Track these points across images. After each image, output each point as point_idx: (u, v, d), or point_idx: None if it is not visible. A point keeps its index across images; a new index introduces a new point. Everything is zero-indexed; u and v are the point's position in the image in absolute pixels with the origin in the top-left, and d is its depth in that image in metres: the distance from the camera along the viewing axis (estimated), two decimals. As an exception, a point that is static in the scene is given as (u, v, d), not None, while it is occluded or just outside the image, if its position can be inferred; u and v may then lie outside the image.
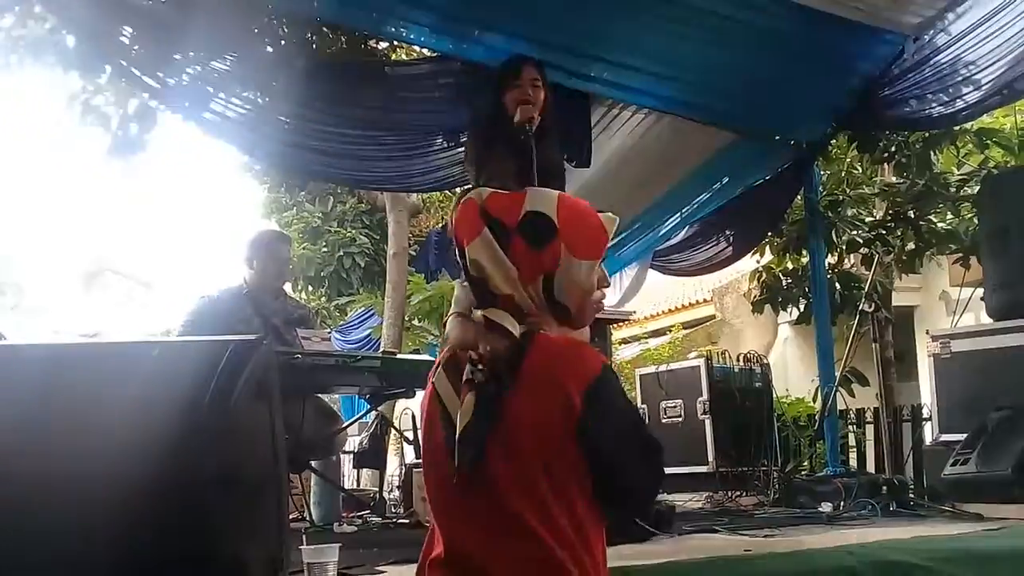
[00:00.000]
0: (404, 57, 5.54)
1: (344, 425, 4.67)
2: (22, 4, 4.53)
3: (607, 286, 1.69)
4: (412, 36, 4.87)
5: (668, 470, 5.58)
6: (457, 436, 1.50)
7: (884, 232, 6.32)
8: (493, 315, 1.57)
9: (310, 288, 12.43)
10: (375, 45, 5.12)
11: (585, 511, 1.50)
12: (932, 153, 6.06)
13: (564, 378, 1.48)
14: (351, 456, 5.39)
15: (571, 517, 1.47)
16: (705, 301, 13.06)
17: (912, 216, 6.27)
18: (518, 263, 1.56)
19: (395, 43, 5.27)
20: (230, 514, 1.59)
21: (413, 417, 5.69)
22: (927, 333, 4.99)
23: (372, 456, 4.87)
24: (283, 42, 4.65)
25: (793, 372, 9.08)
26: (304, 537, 2.57)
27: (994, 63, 4.69)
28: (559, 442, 1.47)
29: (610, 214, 1.66)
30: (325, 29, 4.81)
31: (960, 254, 6.16)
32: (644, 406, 6.01)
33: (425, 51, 5.11)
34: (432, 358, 5.08)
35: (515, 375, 1.50)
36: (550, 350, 1.53)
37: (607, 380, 1.52)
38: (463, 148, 5.21)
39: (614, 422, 1.52)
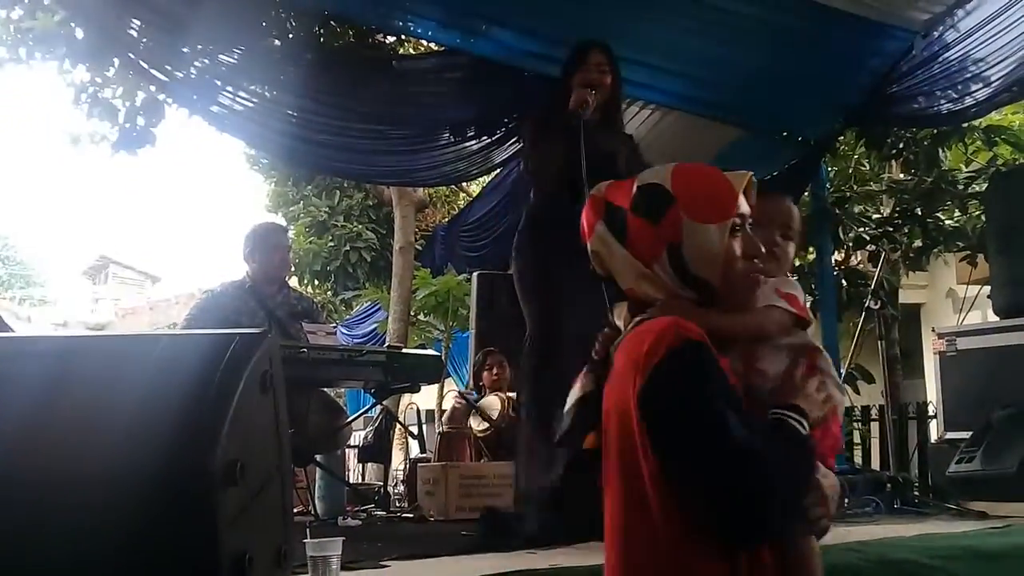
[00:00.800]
0: (411, 51, 5.54)
1: (349, 419, 4.69)
2: (31, -4, 4.55)
3: (759, 254, 1.47)
4: (419, 30, 4.87)
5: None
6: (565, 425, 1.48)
7: (891, 229, 6.30)
8: (615, 311, 1.49)
9: (316, 282, 12.45)
10: (382, 39, 5.13)
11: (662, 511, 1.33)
12: (940, 150, 6.04)
13: (629, 366, 1.35)
14: (356, 450, 5.40)
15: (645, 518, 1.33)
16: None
17: (919, 213, 6.25)
18: (636, 243, 1.44)
19: (402, 37, 5.27)
20: (234, 507, 1.59)
21: (418, 411, 5.71)
22: (933, 330, 4.98)
23: (377, 450, 4.88)
24: (291, 36, 4.66)
25: (799, 368, 9.03)
26: (308, 531, 2.58)
27: (1003, 60, 4.67)
28: (630, 437, 1.35)
29: (742, 171, 1.49)
30: (333, 23, 4.82)
31: (967, 252, 6.14)
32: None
33: (432, 45, 5.12)
34: (437, 353, 5.11)
35: (608, 368, 1.43)
36: (630, 336, 1.41)
37: (671, 366, 1.31)
38: (470, 142, 5.24)
39: (671, 414, 1.32)
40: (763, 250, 1.48)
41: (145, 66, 4.28)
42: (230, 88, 4.53)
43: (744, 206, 1.45)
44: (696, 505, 1.29)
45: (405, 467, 5.02)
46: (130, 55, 4.25)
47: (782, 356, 1.54)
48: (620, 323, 1.48)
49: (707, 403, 1.29)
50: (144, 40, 4.24)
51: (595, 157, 3.25)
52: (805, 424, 1.38)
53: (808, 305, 6.68)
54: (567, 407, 1.50)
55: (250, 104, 4.62)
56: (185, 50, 4.31)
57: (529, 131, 3.35)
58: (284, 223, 11.37)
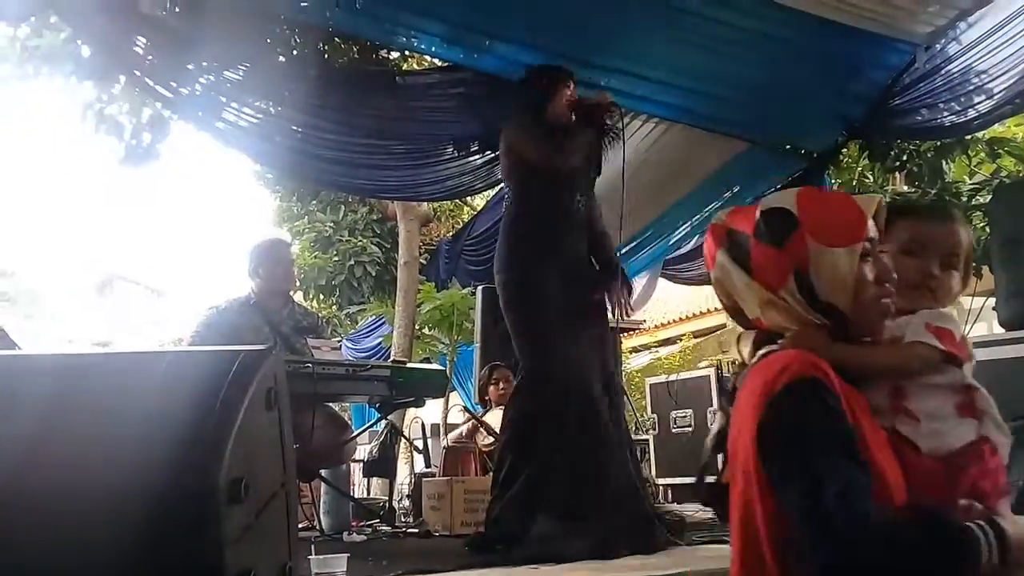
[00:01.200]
0: (415, 67, 5.57)
1: (354, 434, 4.68)
2: (38, 14, 4.58)
3: (891, 280, 1.39)
4: (423, 46, 4.90)
5: (678, 480, 5.63)
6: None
7: (895, 241, 6.29)
8: (740, 340, 1.44)
9: (321, 297, 12.46)
10: (387, 55, 5.16)
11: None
12: (944, 162, 6.04)
13: (749, 400, 1.30)
14: (361, 465, 5.40)
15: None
16: (716, 310, 13.02)
17: (923, 225, 6.24)
18: (761, 270, 1.38)
19: (406, 53, 5.30)
20: (239, 524, 1.59)
21: (423, 426, 5.70)
22: (939, 342, 4.96)
23: (382, 465, 4.87)
24: (295, 52, 4.69)
25: (804, 381, 9.02)
26: (313, 547, 2.58)
27: (1006, 72, 4.68)
28: (748, 475, 1.29)
29: (871, 195, 1.47)
30: (337, 39, 4.84)
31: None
32: (654, 415, 6.00)
33: (436, 61, 5.14)
34: (442, 367, 5.11)
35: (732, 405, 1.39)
36: (754, 369, 1.36)
37: (784, 405, 1.24)
38: (474, 156, 5.26)
39: (777, 458, 1.24)
40: (894, 275, 1.40)
41: (151, 83, 4.30)
42: (235, 104, 4.56)
43: (873, 230, 1.39)
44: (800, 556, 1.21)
45: (410, 482, 5.01)
46: (136, 72, 4.27)
47: (936, 395, 1.46)
48: (745, 354, 1.43)
49: (810, 453, 1.21)
50: (150, 57, 4.27)
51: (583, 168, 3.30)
52: (989, 536, 1.21)
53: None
54: (707, 443, 1.47)
55: (255, 120, 4.65)
56: (190, 67, 4.34)
57: (532, 131, 3.32)
58: (288, 238, 11.41)
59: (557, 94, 3.34)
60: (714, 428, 1.47)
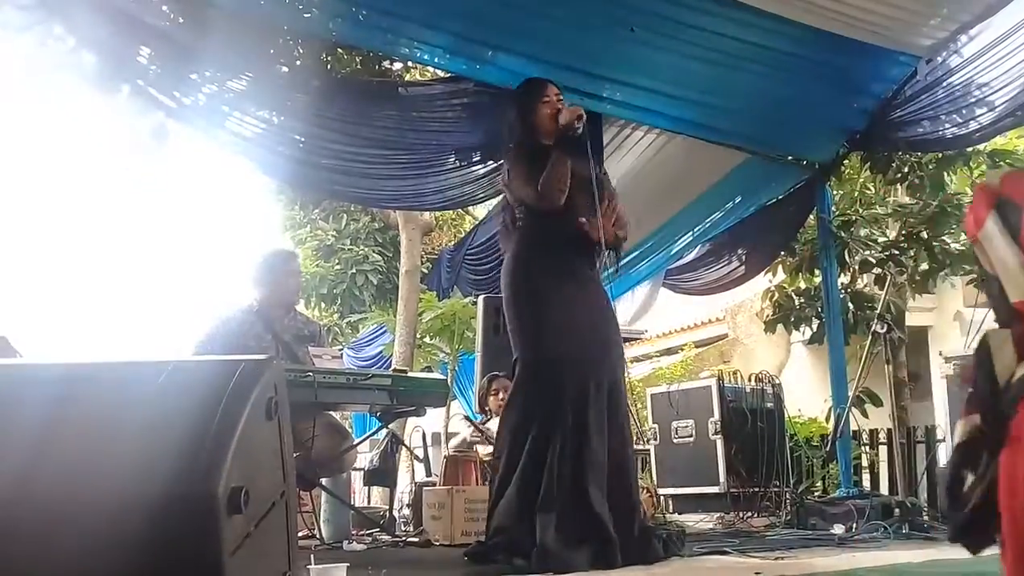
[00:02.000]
0: (418, 77, 5.59)
1: (355, 443, 4.69)
2: (42, 24, 4.60)
3: None
4: (426, 57, 4.92)
5: (678, 490, 5.62)
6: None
7: (897, 252, 6.31)
8: (992, 338, 1.22)
9: (323, 305, 12.48)
10: (389, 66, 5.18)
11: None
12: (945, 174, 6.06)
13: None
14: (361, 473, 5.40)
15: None
16: (717, 320, 13.02)
17: (925, 236, 6.26)
18: None
19: (409, 64, 5.32)
20: (238, 534, 1.60)
21: (423, 435, 5.70)
22: (940, 354, 4.97)
23: (382, 474, 4.87)
24: (298, 62, 4.70)
25: (806, 392, 9.03)
26: (313, 556, 2.58)
27: (1007, 84, 4.69)
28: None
29: None
30: (340, 50, 4.86)
31: (973, 275, 6.13)
32: (656, 425, 5.99)
33: (439, 72, 5.16)
34: (443, 376, 5.12)
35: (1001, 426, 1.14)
36: None
37: None
38: (476, 166, 5.27)
39: None
40: None
41: (154, 92, 4.32)
42: (238, 114, 4.58)
43: None
44: None
45: (411, 491, 5.01)
46: (139, 82, 4.29)
47: None
48: (1006, 358, 1.20)
49: None
50: (153, 67, 4.29)
51: (583, 179, 3.28)
52: None
53: (815, 329, 6.70)
54: (952, 457, 1.25)
55: (258, 129, 4.67)
56: (194, 77, 4.36)
57: (522, 163, 3.31)
58: (291, 246, 11.43)
59: (537, 113, 3.33)
60: (960, 436, 1.24)
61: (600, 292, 3.32)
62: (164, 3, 4.36)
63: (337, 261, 12.36)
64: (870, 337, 5.57)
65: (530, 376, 3.13)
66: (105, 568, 1.56)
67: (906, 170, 6.05)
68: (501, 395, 5.10)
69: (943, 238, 6.31)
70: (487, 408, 5.14)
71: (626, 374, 3.42)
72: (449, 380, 7.24)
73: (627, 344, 6.51)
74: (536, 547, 2.89)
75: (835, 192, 6.52)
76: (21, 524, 1.60)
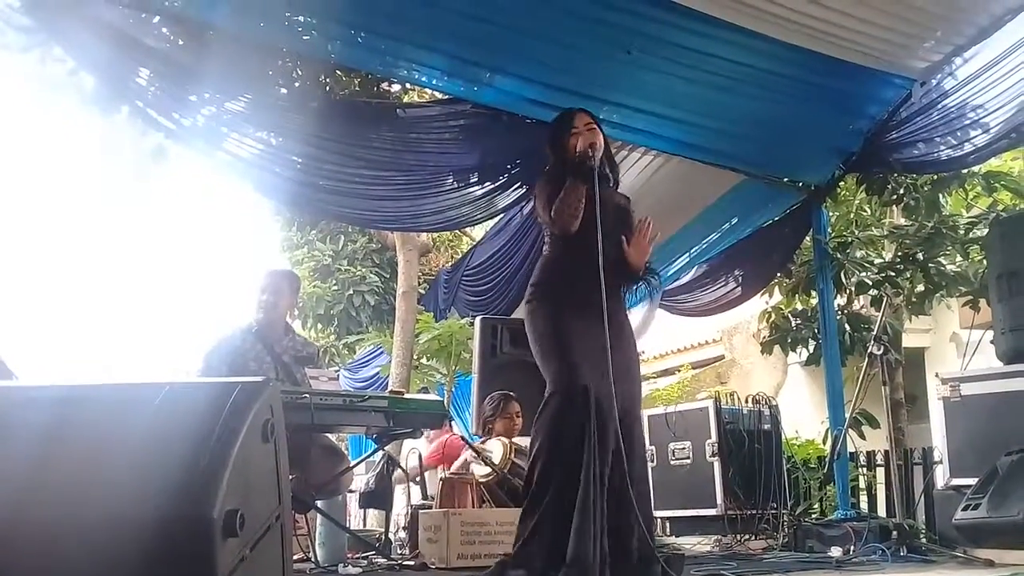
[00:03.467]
0: (416, 99, 5.62)
1: (351, 465, 4.66)
2: (42, 46, 4.63)
3: None
4: (424, 79, 4.95)
5: (675, 512, 5.59)
6: None
7: (893, 274, 6.32)
8: None
9: (320, 326, 12.47)
10: (388, 87, 5.21)
11: None
12: (941, 196, 6.09)
13: None
14: (357, 496, 5.36)
15: None
16: (714, 341, 13.03)
17: (921, 258, 6.28)
18: None
19: (407, 85, 5.35)
20: (233, 557, 1.59)
21: (420, 457, 5.67)
22: (937, 376, 4.97)
23: (378, 496, 4.84)
24: (297, 84, 4.73)
25: (803, 413, 9.02)
26: (308, 579, 2.57)
27: (1002, 106, 4.73)
28: None
29: None
30: (339, 72, 4.89)
31: (970, 296, 6.15)
32: (652, 447, 5.98)
33: (437, 94, 5.19)
34: (439, 397, 5.10)
35: None
36: None
37: None
38: (473, 188, 5.29)
39: None
40: None
41: (153, 114, 4.34)
42: (236, 135, 4.59)
43: None
44: None
45: (407, 513, 4.97)
46: (138, 103, 4.31)
47: None
48: None
49: None
50: (152, 88, 4.31)
51: (612, 208, 3.30)
52: None
53: (812, 350, 6.70)
54: None
55: (256, 151, 4.68)
56: (193, 98, 4.38)
57: (545, 185, 3.37)
58: (290, 267, 11.43)
59: (565, 143, 3.35)
60: None
61: (622, 319, 3.33)
62: (163, 25, 4.39)
63: (334, 282, 12.37)
64: (867, 358, 5.56)
65: (556, 406, 3.14)
66: (99, 591, 1.55)
67: (901, 192, 6.08)
68: (514, 420, 5.06)
69: (939, 259, 6.33)
70: (489, 428, 5.10)
71: (640, 392, 3.41)
72: (446, 402, 7.21)
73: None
74: (564, 567, 2.89)
75: (831, 214, 6.54)
76: (17, 546, 1.59)
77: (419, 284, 9.26)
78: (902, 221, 6.81)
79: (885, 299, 6.16)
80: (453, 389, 8.39)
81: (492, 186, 5.28)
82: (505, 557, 3.22)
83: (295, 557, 3.22)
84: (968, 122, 4.94)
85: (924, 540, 4.54)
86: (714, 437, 5.57)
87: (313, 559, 4.13)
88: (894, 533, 4.42)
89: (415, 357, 8.58)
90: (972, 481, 4.21)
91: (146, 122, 4.40)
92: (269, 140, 4.75)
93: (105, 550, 1.56)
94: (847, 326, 6.46)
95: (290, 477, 1.98)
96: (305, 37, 4.49)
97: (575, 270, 3.17)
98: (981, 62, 4.77)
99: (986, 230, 5.70)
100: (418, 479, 5.65)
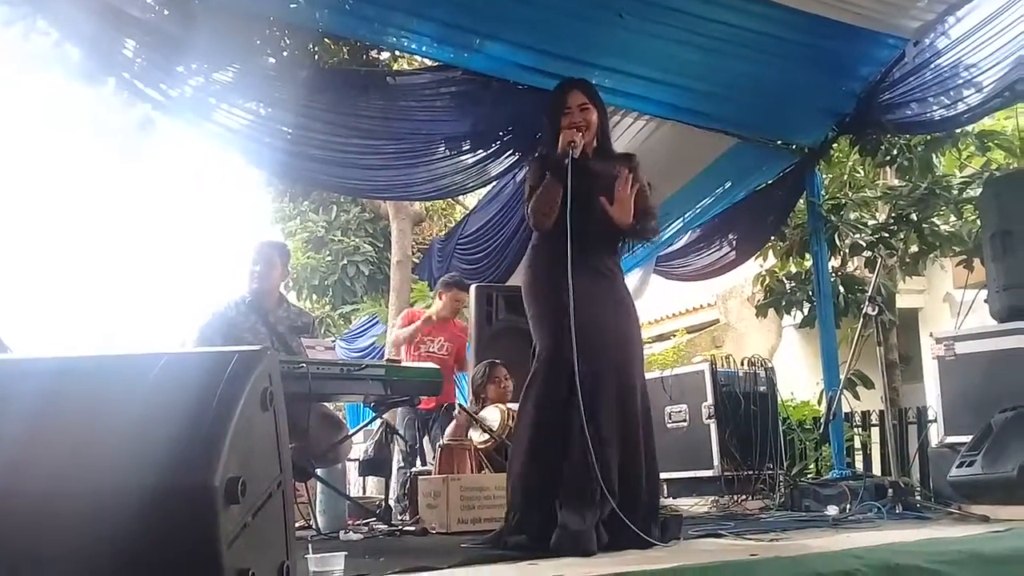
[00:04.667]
0: (406, 67, 5.57)
1: (349, 433, 4.69)
2: (26, 19, 4.57)
3: None
4: (414, 46, 4.90)
5: (673, 475, 5.64)
6: None
7: (887, 235, 6.33)
8: None
9: (314, 297, 12.47)
10: (377, 55, 5.15)
11: None
12: (934, 156, 6.08)
13: None
14: (356, 464, 5.40)
15: None
16: (709, 305, 13.06)
17: (915, 219, 6.28)
18: None
19: (397, 53, 5.30)
20: (236, 524, 1.60)
21: (417, 424, 5.70)
22: (931, 336, 4.99)
23: (377, 464, 4.87)
24: (285, 53, 4.68)
25: (798, 375, 9.08)
26: (310, 545, 2.59)
27: (995, 65, 4.71)
28: None
29: None
30: (327, 40, 4.84)
31: (963, 256, 6.16)
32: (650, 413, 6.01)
33: (426, 61, 5.14)
34: (436, 366, 5.11)
35: None
36: None
37: None
38: (465, 155, 5.26)
39: None
40: None
41: (140, 85, 4.29)
42: (225, 106, 4.55)
43: None
44: None
45: (404, 479, 5.01)
46: (125, 75, 4.26)
47: None
48: None
49: None
50: (139, 60, 4.26)
51: (596, 185, 3.29)
52: None
53: (806, 312, 6.72)
54: None
55: (245, 121, 4.64)
56: (180, 69, 4.33)
57: (530, 176, 3.40)
58: (281, 238, 11.40)
59: (559, 125, 3.35)
60: None
61: (614, 283, 3.34)
62: (148, -5, 4.33)
63: (328, 252, 12.35)
64: (861, 319, 5.59)
65: (544, 367, 3.17)
66: (103, 560, 1.56)
67: (895, 153, 6.06)
68: (503, 383, 5.09)
69: (933, 220, 6.33)
70: (483, 396, 5.13)
71: (642, 358, 3.44)
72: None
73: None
74: (557, 530, 2.92)
75: (824, 176, 6.53)
76: (15, 517, 1.60)
77: (413, 253, 9.25)
78: (896, 182, 6.81)
79: (879, 260, 6.18)
80: (449, 357, 8.40)
81: (484, 153, 5.25)
82: (504, 524, 3.25)
83: (297, 525, 3.24)
84: (961, 81, 4.92)
85: (919, 497, 4.59)
86: (710, 400, 5.60)
87: (314, 526, 4.16)
88: (889, 491, 4.46)
89: (411, 326, 8.57)
90: (967, 439, 4.26)
91: (133, 94, 4.36)
92: (258, 110, 4.71)
93: (105, 520, 1.57)
94: (841, 288, 6.47)
95: (289, 446, 1.98)
96: (292, 5, 4.44)
97: (564, 250, 3.18)
98: (974, 20, 4.75)
99: (980, 190, 5.70)
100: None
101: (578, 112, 3.36)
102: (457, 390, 7.03)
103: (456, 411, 5.24)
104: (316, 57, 4.84)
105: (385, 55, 5.35)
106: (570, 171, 3.18)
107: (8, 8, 4.10)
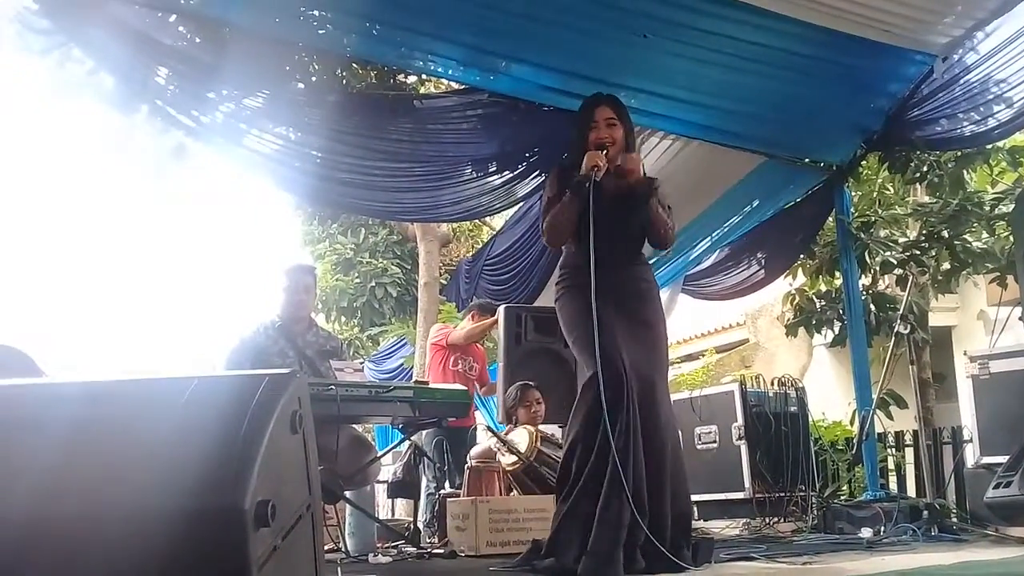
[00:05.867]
0: (432, 90, 5.62)
1: (378, 455, 4.69)
2: (61, 48, 4.67)
3: None
4: (440, 70, 4.95)
5: (703, 496, 5.59)
6: None
7: (918, 252, 6.25)
8: None
9: (343, 319, 12.54)
10: (404, 79, 5.20)
11: None
12: (965, 172, 6.00)
13: None
14: (385, 486, 5.41)
15: None
16: (738, 324, 12.96)
17: (946, 236, 6.20)
18: None
19: (424, 77, 5.35)
20: (266, 547, 1.60)
21: (443, 445, 5.70)
22: (965, 354, 4.92)
23: (406, 486, 4.87)
24: (314, 78, 4.74)
25: (830, 395, 8.96)
26: (339, 568, 2.59)
27: (1025, 80, 4.66)
28: None
29: None
30: (355, 65, 4.89)
31: (996, 273, 6.07)
32: (678, 432, 5.97)
33: (453, 84, 5.19)
34: (464, 387, 5.11)
35: None
36: None
37: None
38: (492, 177, 5.29)
39: None
40: None
41: (172, 112, 4.37)
42: (255, 131, 4.62)
43: None
44: None
45: (434, 502, 5.01)
46: (158, 102, 4.34)
47: None
48: None
49: None
50: (171, 87, 4.33)
51: (615, 198, 3.29)
52: None
53: (837, 331, 6.65)
54: None
55: (275, 146, 4.70)
56: (211, 95, 4.40)
57: (549, 188, 3.40)
58: (312, 261, 11.49)
59: (585, 140, 3.35)
60: None
61: (643, 301, 3.34)
62: (180, 24, 4.41)
63: (356, 275, 12.43)
64: (893, 338, 5.53)
65: (593, 393, 3.16)
66: (135, 584, 1.57)
67: (925, 169, 5.99)
68: (534, 408, 5.07)
69: (964, 237, 6.24)
70: (514, 418, 5.12)
71: (666, 369, 3.42)
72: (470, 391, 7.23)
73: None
74: (585, 556, 2.90)
75: (854, 193, 6.47)
76: (48, 541, 1.61)
77: (440, 275, 9.29)
78: (926, 199, 6.73)
79: (911, 278, 6.10)
80: (478, 378, 8.40)
81: (510, 175, 5.28)
82: (535, 543, 3.24)
83: (326, 547, 3.24)
84: (991, 97, 4.87)
85: (955, 519, 4.51)
86: (740, 420, 5.56)
87: (343, 549, 4.16)
88: (924, 513, 4.39)
89: (439, 348, 8.58)
90: (1003, 459, 4.18)
91: (166, 120, 4.43)
92: (288, 135, 4.77)
93: (138, 543, 1.58)
94: (872, 306, 6.40)
95: (319, 468, 1.99)
96: (320, 31, 4.50)
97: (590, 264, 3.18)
98: (1003, 35, 4.70)
99: (1012, 205, 5.63)
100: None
101: (604, 127, 3.36)
102: (483, 411, 7.04)
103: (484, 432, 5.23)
104: (344, 82, 4.90)
105: (412, 79, 5.40)
106: (591, 196, 3.17)
107: (44, 37, 4.19)
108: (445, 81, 5.40)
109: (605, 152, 3.27)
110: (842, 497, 6.07)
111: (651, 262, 5.85)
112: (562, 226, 3.27)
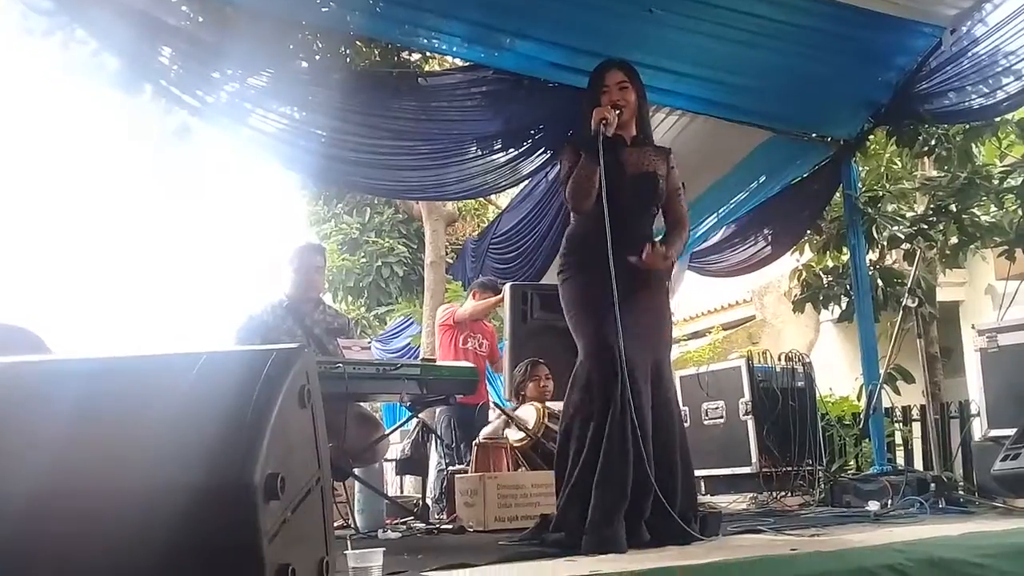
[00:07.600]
0: (437, 68, 5.59)
1: (386, 433, 4.72)
2: (65, 29, 4.66)
3: None
4: (444, 47, 4.92)
5: (711, 471, 5.61)
6: None
7: (926, 227, 6.22)
8: None
9: (350, 298, 12.55)
10: (408, 56, 5.18)
11: None
12: (973, 145, 5.96)
13: None
14: (393, 463, 5.44)
15: None
16: (745, 301, 12.95)
17: (954, 210, 6.17)
18: None
19: (428, 54, 5.33)
20: (276, 520, 1.62)
21: (451, 423, 5.72)
22: (973, 328, 4.91)
23: (414, 463, 4.91)
24: (318, 57, 4.73)
25: (837, 370, 8.96)
26: (349, 544, 2.61)
27: (1034, 52, 4.62)
28: None
29: None
30: (359, 43, 4.87)
31: (1005, 247, 6.05)
32: (686, 408, 5.98)
33: (457, 61, 5.16)
34: (471, 364, 5.13)
35: None
36: None
37: None
38: (497, 155, 5.27)
39: None
40: None
41: (177, 92, 4.36)
42: (260, 110, 4.61)
43: None
44: None
45: (441, 478, 5.04)
46: (162, 82, 4.33)
47: None
48: None
49: None
50: (175, 67, 4.33)
51: (635, 176, 3.28)
52: None
53: (844, 307, 6.64)
54: None
55: (280, 125, 4.70)
56: (215, 75, 4.39)
57: (566, 158, 3.37)
58: (318, 241, 11.49)
59: (597, 103, 3.32)
60: None
61: (652, 288, 3.33)
62: (183, 3, 4.40)
63: (362, 254, 12.42)
64: (901, 313, 5.51)
65: (586, 372, 3.17)
66: (144, 557, 1.59)
67: (933, 143, 5.95)
68: (542, 382, 5.09)
69: (972, 211, 6.21)
70: (522, 394, 5.13)
71: (670, 349, 3.42)
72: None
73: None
74: (586, 533, 2.92)
75: (861, 168, 6.43)
76: (57, 516, 1.63)
77: (446, 254, 9.29)
78: (934, 173, 6.69)
79: (918, 252, 6.08)
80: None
81: (516, 152, 5.26)
82: (543, 517, 3.26)
83: (335, 524, 3.27)
84: (1000, 69, 4.83)
85: (962, 492, 4.52)
86: (747, 396, 5.56)
87: (353, 526, 4.20)
88: (932, 486, 4.39)
89: (445, 326, 8.60)
90: (1010, 432, 4.19)
91: (170, 100, 4.42)
92: (292, 114, 4.76)
93: (147, 518, 1.60)
94: (880, 281, 6.38)
95: (327, 445, 2.00)
96: (324, 9, 4.48)
97: (599, 241, 3.15)
98: (1012, 7, 4.65)
99: (1021, 179, 5.60)
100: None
101: (616, 90, 3.32)
102: (491, 388, 7.06)
103: (491, 410, 5.25)
104: (348, 60, 4.88)
105: (416, 56, 5.38)
106: (602, 149, 3.15)
107: (47, 19, 4.18)
108: (449, 58, 5.38)
109: (619, 113, 3.24)
110: (849, 471, 6.08)
111: (658, 239, 5.85)
112: (583, 187, 3.20)
